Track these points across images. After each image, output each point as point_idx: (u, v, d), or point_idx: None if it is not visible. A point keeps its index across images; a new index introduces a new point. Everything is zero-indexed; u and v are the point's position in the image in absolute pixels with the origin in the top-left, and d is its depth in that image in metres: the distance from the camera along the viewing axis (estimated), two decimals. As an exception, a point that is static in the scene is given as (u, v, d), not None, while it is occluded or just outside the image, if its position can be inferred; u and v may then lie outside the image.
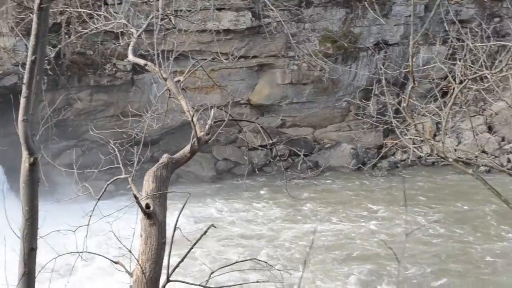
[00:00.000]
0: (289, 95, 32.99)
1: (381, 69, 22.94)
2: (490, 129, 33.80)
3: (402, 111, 7.63)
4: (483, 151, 33.10)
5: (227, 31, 29.64)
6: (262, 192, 28.49)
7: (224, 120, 9.61)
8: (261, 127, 9.94)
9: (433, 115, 11.41)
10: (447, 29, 33.53)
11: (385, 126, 16.15)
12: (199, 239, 7.30)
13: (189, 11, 19.48)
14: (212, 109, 9.27)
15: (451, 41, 21.81)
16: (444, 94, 12.18)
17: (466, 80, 8.24)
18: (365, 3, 29.50)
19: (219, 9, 30.00)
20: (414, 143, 16.89)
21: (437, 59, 11.23)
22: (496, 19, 36.73)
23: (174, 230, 7.33)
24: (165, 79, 9.98)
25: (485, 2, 36.74)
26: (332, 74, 32.01)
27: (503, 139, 32.70)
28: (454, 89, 8.51)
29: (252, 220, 25.72)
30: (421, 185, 29.48)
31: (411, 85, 7.85)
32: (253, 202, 27.53)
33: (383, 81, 10.65)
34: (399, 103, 9.20)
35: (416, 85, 7.83)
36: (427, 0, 34.45)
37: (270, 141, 10.56)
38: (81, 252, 7.68)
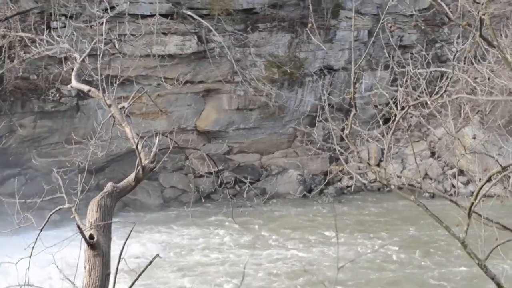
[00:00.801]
0: (236, 120, 33.01)
1: (324, 95, 23.17)
2: (433, 154, 34.33)
3: (345, 138, 7.71)
4: (427, 176, 33.68)
5: (173, 55, 29.56)
6: (210, 219, 28.30)
7: (169, 148, 9.55)
8: (206, 154, 9.91)
9: (377, 141, 11.56)
10: (389, 55, 34.15)
11: (329, 153, 16.28)
12: (144, 269, 7.20)
13: (133, 35, 19.37)
14: (157, 137, 9.21)
15: (392, 67, 22.17)
16: (387, 120, 12.35)
17: (407, 107, 8.36)
18: (307, 30, 29.80)
19: (165, 34, 29.93)
20: (360, 169, 17.04)
21: (379, 85, 11.39)
22: (437, 45, 37.55)
23: (119, 261, 7.23)
24: (109, 106, 9.89)
25: (427, 28, 37.56)
26: (278, 99, 32.20)
27: (446, 164, 33.24)
28: (395, 115, 8.63)
29: (206, 248, 25.49)
30: (370, 211, 29.65)
31: (353, 112, 7.93)
32: (203, 229, 27.34)
33: (326, 108, 10.74)
34: (343, 129, 9.30)
35: (358, 112, 7.92)
36: (370, 25, 35.02)
37: (216, 169, 10.52)
38: (23, 286, 7.50)
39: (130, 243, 8.86)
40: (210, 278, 22.46)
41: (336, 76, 34.44)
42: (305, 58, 33.46)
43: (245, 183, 25.21)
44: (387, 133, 8.70)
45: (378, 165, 32.94)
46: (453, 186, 30.98)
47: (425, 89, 8.98)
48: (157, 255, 7.93)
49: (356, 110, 7.86)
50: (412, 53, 18.92)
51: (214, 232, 27.04)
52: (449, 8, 11.10)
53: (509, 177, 9.96)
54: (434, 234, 25.71)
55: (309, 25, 17.41)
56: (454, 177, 31.67)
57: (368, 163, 7.90)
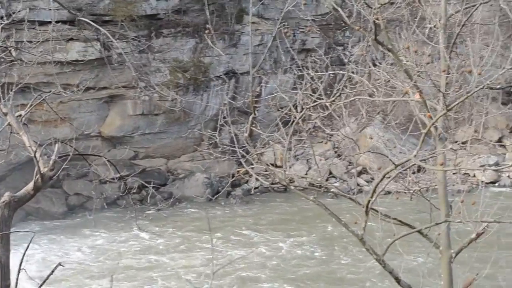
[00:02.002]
0: (141, 126, 32.76)
1: (229, 99, 23.31)
2: (338, 154, 35.03)
3: (244, 141, 7.82)
4: (332, 176, 34.36)
5: (75, 62, 29.00)
6: (114, 225, 27.94)
7: (69, 155, 9.39)
8: (107, 160, 9.80)
9: (278, 143, 11.73)
10: (292, 58, 34.68)
11: (235, 156, 16.39)
12: (46, 279, 7.08)
13: (30, 42, 18.91)
14: (56, 144, 9.04)
15: (293, 70, 22.56)
16: (287, 122, 12.52)
17: (305, 109, 8.55)
18: (205, 35, 29.88)
19: (68, 40, 29.40)
20: (266, 171, 17.23)
21: (279, 88, 11.57)
22: (340, 48, 38.38)
23: (19, 272, 7.08)
24: (5, 114, 9.65)
25: (328, 32, 38.34)
26: (184, 104, 32.16)
27: (350, 163, 33.98)
28: (295, 117, 8.81)
29: (109, 254, 25.20)
30: (285, 210, 29.97)
31: (251, 116, 8.05)
32: (107, 235, 26.99)
33: (225, 112, 10.82)
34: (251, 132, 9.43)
35: (257, 115, 8.06)
36: (273, 30, 35.41)
37: (118, 175, 10.43)
38: None
39: (33, 253, 8.66)
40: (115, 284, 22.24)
41: (241, 80, 34.72)
42: (210, 63, 33.56)
43: (152, 187, 25.01)
44: (287, 135, 8.87)
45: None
46: (358, 184, 31.66)
47: (323, 92, 9.18)
48: (59, 263, 7.80)
49: (254, 114, 7.98)
50: (311, 56, 19.28)
51: (118, 238, 26.74)
52: (346, 12, 11.41)
53: (406, 174, 10.32)
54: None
55: (207, 31, 17.48)
56: (358, 176, 32.42)
57: (267, 165, 8.04)
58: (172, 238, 26.73)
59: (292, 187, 8.14)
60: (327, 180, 32.98)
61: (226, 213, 29.91)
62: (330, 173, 34.26)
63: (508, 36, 41.95)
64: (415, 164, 7.70)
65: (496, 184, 36.15)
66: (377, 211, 8.49)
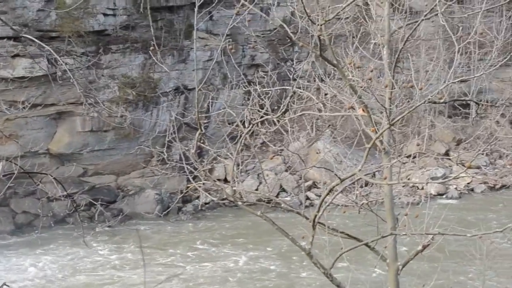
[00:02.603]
0: (90, 142, 32.43)
1: (178, 115, 23.24)
2: (288, 168, 35.18)
3: (191, 157, 7.82)
4: (283, 190, 34.50)
5: (22, 78, 28.56)
6: (61, 243, 27.56)
7: (14, 173, 9.24)
8: (53, 178, 9.67)
9: (226, 159, 11.75)
10: (242, 73, 34.78)
11: (185, 172, 16.35)
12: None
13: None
14: (0, 162, 8.90)
15: (241, 86, 22.63)
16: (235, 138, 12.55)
17: (251, 125, 8.59)
18: (150, 51, 29.84)
19: (13, 56, 29.03)
20: (216, 187, 17.20)
21: (229, 104, 11.61)
22: (289, 63, 38.66)
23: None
24: None
25: (278, 47, 38.63)
26: (133, 120, 31.96)
27: (300, 178, 34.16)
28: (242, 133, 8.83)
29: (52, 271, 24.83)
30: (235, 225, 29.89)
31: (198, 132, 8.05)
32: (52, 253, 26.60)
33: (172, 128, 10.82)
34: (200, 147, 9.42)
35: (205, 131, 8.06)
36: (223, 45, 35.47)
37: (65, 192, 10.31)
38: None
39: None
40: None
41: (191, 95, 34.67)
42: (159, 79, 33.46)
43: (101, 204, 24.75)
44: (234, 151, 8.88)
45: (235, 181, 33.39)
46: (308, 198, 31.86)
47: (269, 108, 9.23)
48: (4, 283, 7.70)
49: (201, 130, 7.99)
50: (260, 71, 19.41)
51: (65, 256, 26.39)
52: (291, 28, 11.53)
53: (354, 188, 10.42)
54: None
55: (151, 48, 17.38)
56: (309, 190, 32.62)
57: (215, 181, 8.05)
58: (122, 254, 26.46)
59: (240, 203, 8.15)
60: (278, 194, 33.12)
61: (177, 228, 29.78)
62: (281, 187, 34.38)
63: (452, 51, 42.80)
64: (360, 178, 7.79)
65: (444, 196, 36.77)
66: (324, 225, 8.55)
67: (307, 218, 8.40)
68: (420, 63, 36.36)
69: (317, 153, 30.99)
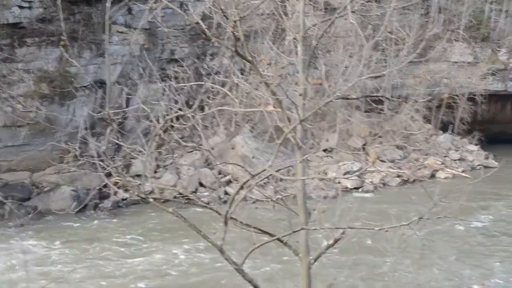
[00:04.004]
0: (4, 138, 31.59)
1: (96, 109, 22.94)
2: (208, 163, 35.19)
3: (101, 154, 7.73)
4: (202, 185, 34.47)
5: None
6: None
7: None
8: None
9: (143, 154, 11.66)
10: (161, 68, 34.62)
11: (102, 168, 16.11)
12: None
13: None
14: None
15: (160, 81, 22.55)
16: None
17: (165, 120, 8.56)
18: (60, 46, 29.38)
19: None
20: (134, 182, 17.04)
21: (148, 99, 11.54)
22: (209, 58, 38.67)
23: None
24: None
25: (198, 41, 38.50)
26: (49, 115, 31.30)
27: (219, 172, 34.21)
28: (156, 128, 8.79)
29: None
30: (158, 221, 29.44)
31: (109, 128, 7.97)
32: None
33: (84, 124, 10.71)
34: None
35: (117, 127, 7.99)
36: (141, 40, 35.21)
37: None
38: None
39: None
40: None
41: (110, 89, 34.21)
42: (77, 73, 32.87)
43: (14, 202, 24.17)
44: (148, 146, 8.82)
45: (155, 176, 33.22)
46: (226, 193, 31.93)
47: (184, 103, 9.22)
48: None
49: (112, 126, 7.91)
50: (180, 66, 19.36)
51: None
52: (206, 23, 11.52)
53: (267, 183, 10.52)
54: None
55: (62, 42, 17.12)
56: (228, 184, 32.67)
57: (126, 178, 7.97)
58: (42, 251, 25.93)
59: (151, 199, 8.11)
60: (196, 190, 33.09)
61: (94, 225, 29.32)
62: (200, 183, 34.35)
63: (367, 48, 43.68)
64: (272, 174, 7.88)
65: (360, 190, 37.53)
66: (236, 220, 8.61)
67: (220, 214, 8.43)
68: (338, 59, 36.95)
69: (231, 148, 31.14)
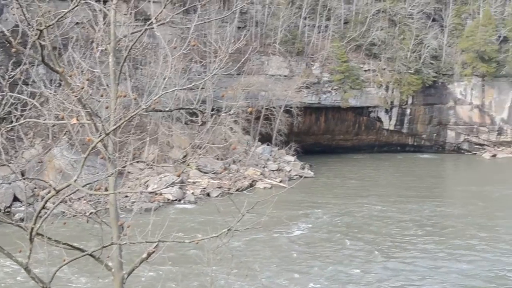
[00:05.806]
0: None
1: None
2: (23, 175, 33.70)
3: None
4: (17, 200, 33.03)
5: None
6: None
7: None
8: None
9: None
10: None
11: None
12: None
13: None
14: None
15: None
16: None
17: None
18: None
19: None
20: None
21: None
22: (24, 67, 37.10)
23: None
24: None
25: (11, 49, 36.88)
26: None
27: (36, 186, 32.93)
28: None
29: None
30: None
31: None
32: None
33: None
34: None
35: None
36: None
37: None
38: None
39: None
40: None
41: None
42: None
43: None
44: None
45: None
46: (45, 208, 30.67)
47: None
48: None
49: None
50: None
51: None
52: (11, 32, 11.04)
53: (73, 198, 10.21)
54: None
55: None
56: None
57: None
58: None
59: None
60: (10, 205, 31.64)
61: None
62: (15, 197, 32.93)
63: (190, 59, 43.97)
64: (78, 189, 7.65)
65: (182, 202, 37.62)
66: (43, 235, 8.27)
67: (25, 230, 8.07)
68: (158, 70, 36.89)
69: (48, 161, 30.08)
